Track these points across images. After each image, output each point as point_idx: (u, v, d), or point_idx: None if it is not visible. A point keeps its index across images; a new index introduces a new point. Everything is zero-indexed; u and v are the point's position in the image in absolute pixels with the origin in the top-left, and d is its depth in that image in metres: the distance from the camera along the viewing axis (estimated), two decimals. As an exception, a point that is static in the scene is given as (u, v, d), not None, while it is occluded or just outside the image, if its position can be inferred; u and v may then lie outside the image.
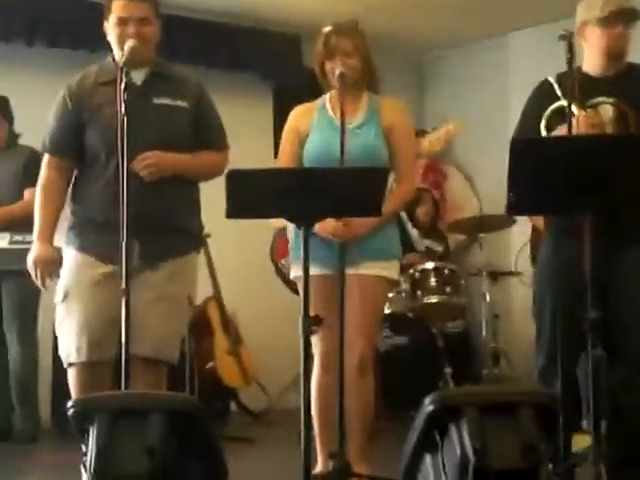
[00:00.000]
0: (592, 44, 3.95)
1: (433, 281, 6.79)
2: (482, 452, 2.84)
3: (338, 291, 3.67)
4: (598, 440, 3.16)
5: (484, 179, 7.88)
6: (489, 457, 2.84)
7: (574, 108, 3.76)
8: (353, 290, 3.90)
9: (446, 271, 6.84)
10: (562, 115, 3.87)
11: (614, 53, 3.95)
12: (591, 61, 3.98)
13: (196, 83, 4.01)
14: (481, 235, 7.27)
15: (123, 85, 3.48)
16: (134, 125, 3.48)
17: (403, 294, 6.80)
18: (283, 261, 4.49)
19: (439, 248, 7.53)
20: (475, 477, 2.82)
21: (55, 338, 3.97)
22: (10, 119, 6.06)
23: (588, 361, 3.21)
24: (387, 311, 6.54)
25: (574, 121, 3.65)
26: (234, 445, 5.57)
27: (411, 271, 6.75)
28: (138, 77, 3.80)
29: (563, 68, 3.77)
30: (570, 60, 3.62)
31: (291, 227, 4.19)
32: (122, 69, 3.54)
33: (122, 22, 3.79)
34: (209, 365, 6.62)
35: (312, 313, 3.31)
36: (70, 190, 3.97)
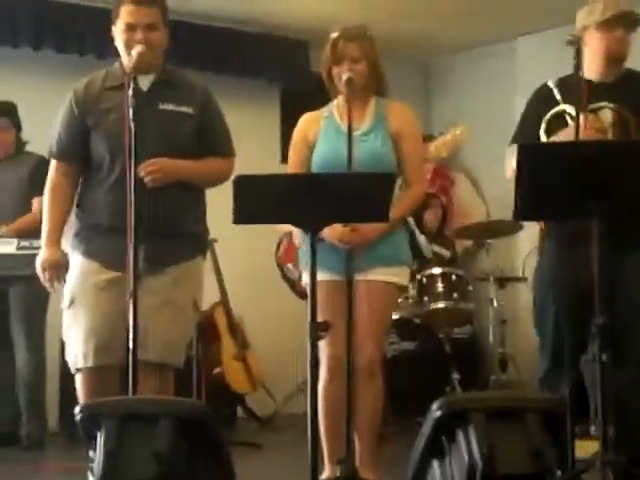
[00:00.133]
0: (592, 49, 3.95)
1: (440, 287, 6.79)
2: (489, 457, 2.84)
3: (346, 297, 3.67)
4: (606, 446, 3.15)
5: (491, 184, 7.87)
6: (496, 462, 2.85)
7: (575, 113, 3.78)
8: (361, 296, 3.90)
9: (453, 277, 6.84)
10: (562, 119, 3.88)
11: (614, 57, 3.95)
12: (591, 66, 3.97)
13: (203, 89, 4.00)
14: (488, 241, 7.26)
15: (131, 91, 3.49)
16: (139, 131, 3.49)
17: (410, 300, 6.80)
18: (289, 265, 4.48)
19: (446, 254, 7.53)
20: (482, 483, 2.83)
21: (63, 343, 3.98)
22: (18, 126, 6.06)
23: (595, 366, 3.20)
24: (394, 317, 6.53)
25: (581, 125, 3.65)
26: (241, 450, 5.56)
27: (418, 277, 6.75)
28: (144, 83, 3.80)
29: (570, 73, 3.77)
30: (577, 65, 3.62)
31: (300, 233, 4.18)
32: (130, 75, 3.55)
33: (130, 28, 3.78)
34: (216, 370, 6.63)
35: (320, 318, 3.31)
36: (76, 195, 3.99)
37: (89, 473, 2.91)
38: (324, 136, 4.15)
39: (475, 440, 2.88)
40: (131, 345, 3.37)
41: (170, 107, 3.86)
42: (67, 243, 3.96)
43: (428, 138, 6.61)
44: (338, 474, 3.56)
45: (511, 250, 7.56)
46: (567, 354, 3.71)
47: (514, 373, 7.17)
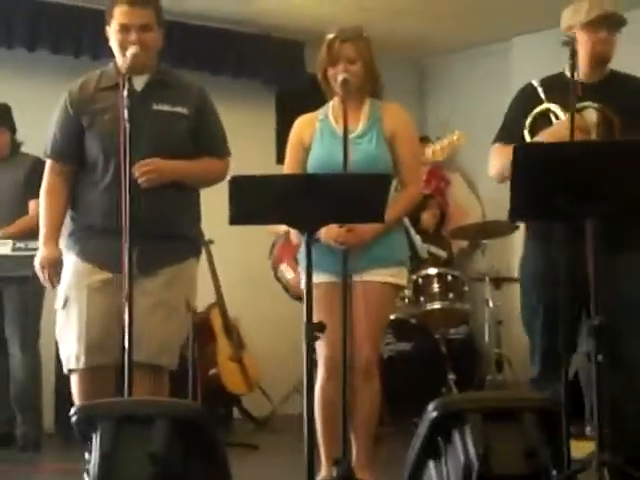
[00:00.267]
0: (577, 49, 3.95)
1: (436, 287, 6.80)
2: (485, 458, 2.84)
3: (342, 297, 3.67)
4: (601, 446, 3.15)
5: (487, 185, 7.86)
6: (492, 463, 2.85)
7: (560, 112, 3.79)
8: (358, 297, 3.91)
9: (449, 277, 6.85)
10: (546, 118, 3.88)
11: (599, 58, 3.95)
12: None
13: (199, 89, 4.00)
14: (484, 241, 7.26)
15: (126, 92, 3.49)
16: (133, 131, 3.49)
17: (406, 300, 6.80)
18: (282, 266, 4.48)
19: (443, 254, 7.53)
20: (478, 483, 2.83)
21: (57, 344, 3.98)
22: (12, 128, 6.05)
23: (591, 367, 3.20)
24: (390, 317, 6.53)
25: (566, 124, 3.64)
26: (237, 451, 5.56)
27: (414, 277, 6.75)
28: (139, 83, 3.80)
29: (556, 72, 3.78)
30: (573, 66, 3.62)
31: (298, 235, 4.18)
32: (124, 76, 3.55)
33: (124, 29, 3.78)
34: (212, 371, 6.63)
35: (316, 319, 3.31)
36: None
37: (85, 474, 2.90)
38: (319, 139, 4.15)
39: (471, 440, 2.88)
40: (127, 345, 3.36)
41: (164, 107, 3.85)
42: (62, 244, 3.97)
43: (423, 139, 6.61)
44: (334, 475, 3.56)
45: (507, 250, 7.55)
46: (562, 354, 3.71)
47: (510, 373, 7.18)
